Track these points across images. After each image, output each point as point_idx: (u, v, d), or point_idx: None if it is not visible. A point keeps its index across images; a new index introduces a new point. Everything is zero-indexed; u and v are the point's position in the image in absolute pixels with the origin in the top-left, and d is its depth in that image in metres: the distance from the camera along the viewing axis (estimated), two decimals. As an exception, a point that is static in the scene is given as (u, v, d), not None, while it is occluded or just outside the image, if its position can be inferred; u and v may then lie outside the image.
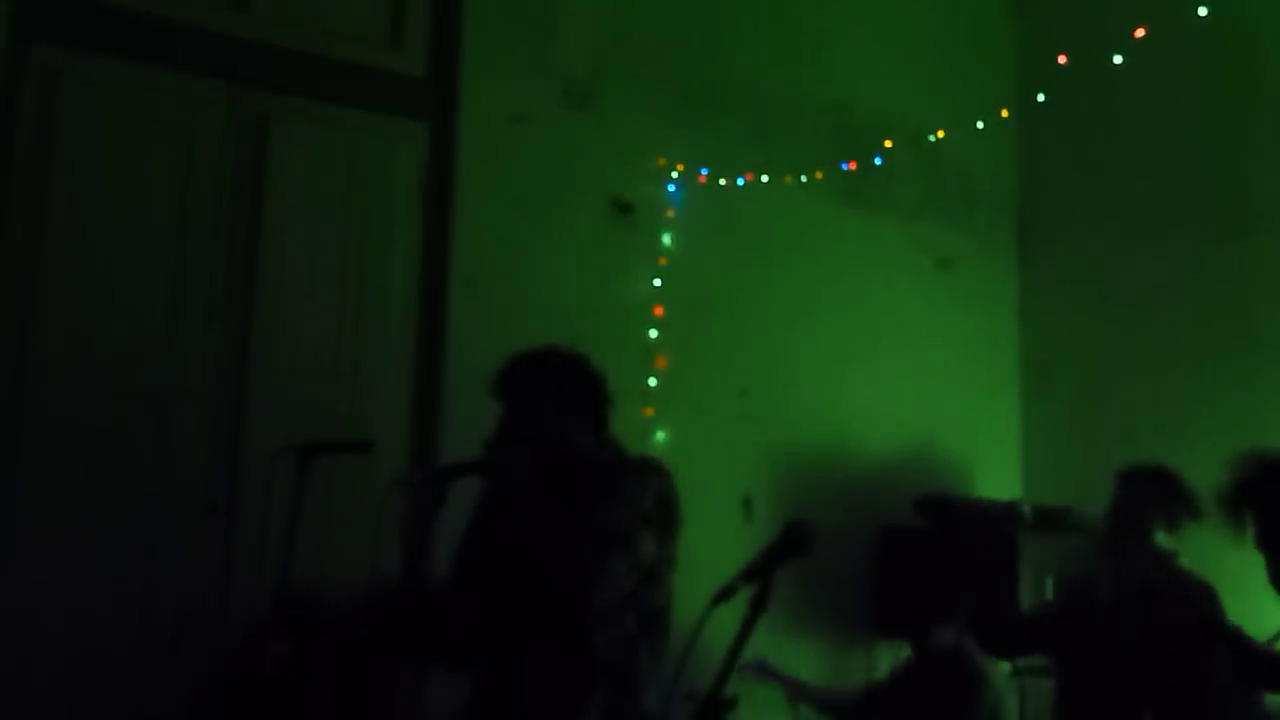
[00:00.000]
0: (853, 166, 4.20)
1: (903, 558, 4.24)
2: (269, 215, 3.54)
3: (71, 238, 3.30)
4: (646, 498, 2.40)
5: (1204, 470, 4.15)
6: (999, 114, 3.89)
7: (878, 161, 4.18)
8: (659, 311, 4.14)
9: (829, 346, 4.49)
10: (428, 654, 2.72)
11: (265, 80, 3.59)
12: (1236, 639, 2.74)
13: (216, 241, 3.49)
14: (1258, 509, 2.66)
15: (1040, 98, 3.61)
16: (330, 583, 3.04)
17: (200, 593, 3.32)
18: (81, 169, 3.33)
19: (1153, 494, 3.10)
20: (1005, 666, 3.64)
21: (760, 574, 1.70)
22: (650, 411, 4.06)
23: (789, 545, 1.75)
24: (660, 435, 4.07)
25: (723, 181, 4.26)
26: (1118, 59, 3.27)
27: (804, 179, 4.28)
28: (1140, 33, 3.21)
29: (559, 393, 2.46)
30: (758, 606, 1.66)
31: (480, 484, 2.55)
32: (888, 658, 3.67)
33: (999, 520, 4.12)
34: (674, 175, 4.23)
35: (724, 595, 1.69)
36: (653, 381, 4.10)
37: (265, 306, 3.51)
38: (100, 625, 3.17)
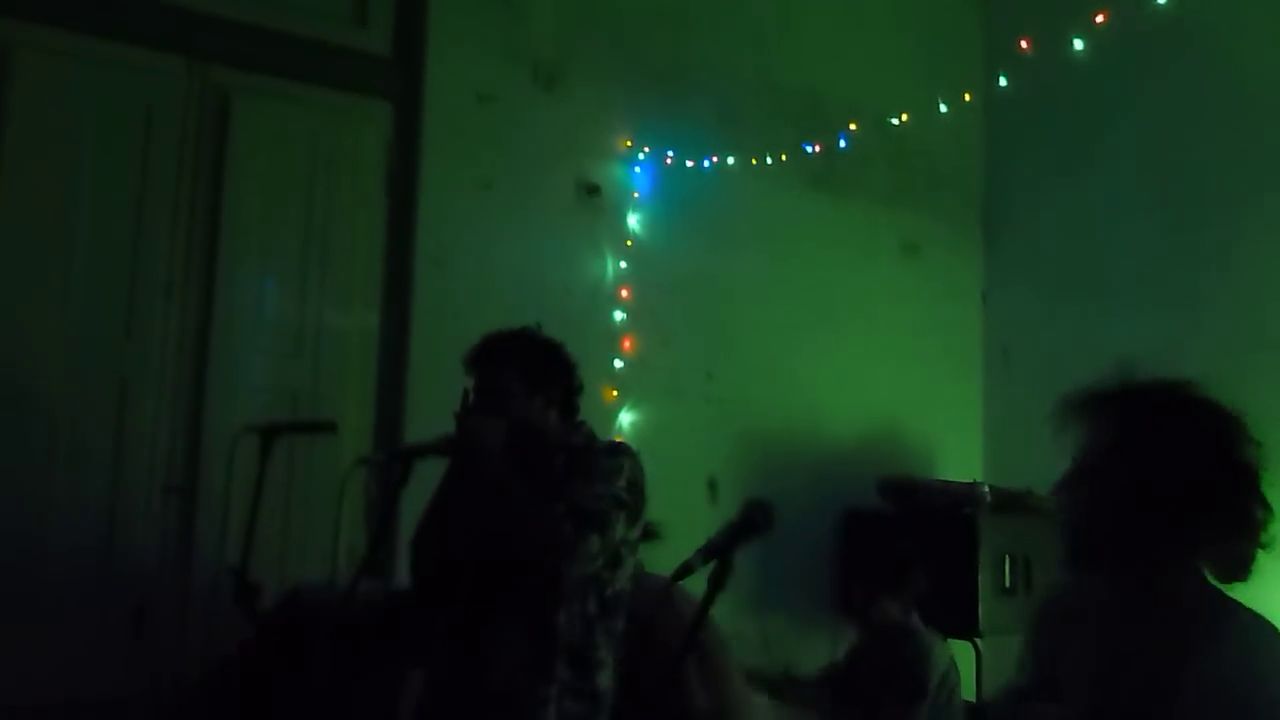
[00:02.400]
0: (818, 149, 4.21)
1: (865, 540, 4.28)
2: (230, 194, 3.50)
3: (27, 215, 3.24)
4: (620, 478, 2.42)
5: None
6: (963, 99, 3.90)
7: (842, 145, 4.18)
8: (625, 294, 4.15)
9: (794, 329, 4.52)
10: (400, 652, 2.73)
11: (226, 56, 3.54)
12: None
13: (176, 220, 3.44)
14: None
15: (1002, 82, 3.63)
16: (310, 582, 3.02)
17: (162, 575, 3.29)
18: (36, 145, 3.27)
19: None
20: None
21: (719, 553, 1.71)
22: (615, 393, 4.06)
23: (748, 524, 1.75)
24: (626, 417, 4.08)
25: (689, 164, 4.26)
26: (1079, 44, 3.29)
27: (770, 161, 4.28)
28: (1100, 19, 3.23)
29: (531, 374, 2.47)
30: (716, 585, 1.67)
31: (445, 464, 2.54)
32: (851, 639, 3.70)
33: (959, 502, 4.16)
34: (640, 157, 4.22)
35: (682, 573, 1.69)
36: (618, 364, 4.10)
37: (226, 286, 3.48)
38: (60, 609, 3.14)
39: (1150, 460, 1.62)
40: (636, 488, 2.44)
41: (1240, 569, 1.63)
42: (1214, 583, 1.65)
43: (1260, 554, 1.62)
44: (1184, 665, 1.59)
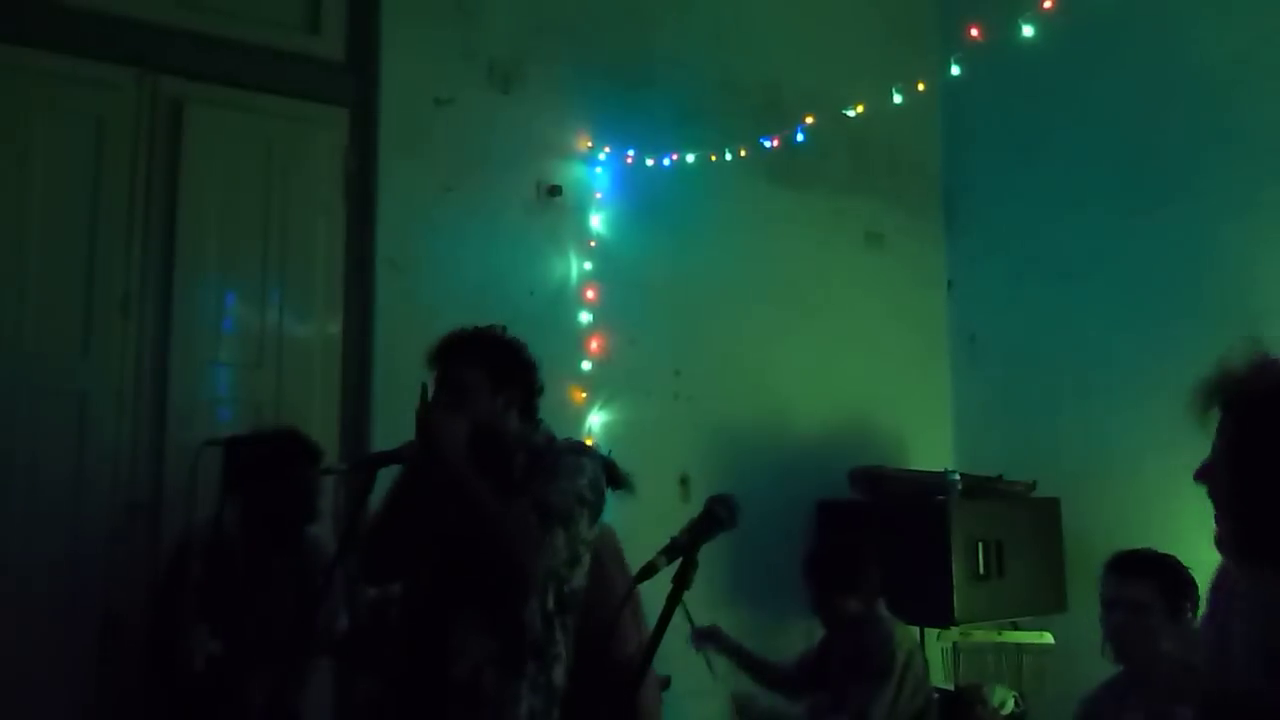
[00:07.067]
0: (775, 143, 4.20)
1: (838, 530, 4.29)
2: (185, 205, 3.45)
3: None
4: (582, 476, 2.41)
5: (1129, 432, 4.27)
6: (917, 88, 3.91)
7: (800, 138, 4.18)
8: (590, 294, 4.13)
9: (761, 323, 4.52)
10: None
11: (177, 66, 3.49)
12: None
13: (131, 233, 3.39)
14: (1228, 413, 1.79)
15: (955, 70, 3.64)
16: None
17: (127, 592, 3.25)
18: (-15, 161, 3.22)
19: None
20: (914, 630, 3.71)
21: (683, 550, 1.70)
22: (583, 395, 4.05)
23: (711, 520, 1.75)
24: (595, 418, 4.06)
25: (649, 163, 4.24)
26: (1029, 30, 3.30)
27: (729, 157, 4.27)
28: (1049, 3, 3.25)
29: (494, 373, 2.46)
30: (681, 583, 1.66)
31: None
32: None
33: (930, 490, 4.18)
34: (601, 157, 4.21)
35: (646, 573, 1.69)
36: (586, 365, 4.08)
37: (184, 298, 3.43)
38: (24, 631, 3.09)
39: None
40: (597, 487, 2.45)
41: None
42: None
43: None
44: None
